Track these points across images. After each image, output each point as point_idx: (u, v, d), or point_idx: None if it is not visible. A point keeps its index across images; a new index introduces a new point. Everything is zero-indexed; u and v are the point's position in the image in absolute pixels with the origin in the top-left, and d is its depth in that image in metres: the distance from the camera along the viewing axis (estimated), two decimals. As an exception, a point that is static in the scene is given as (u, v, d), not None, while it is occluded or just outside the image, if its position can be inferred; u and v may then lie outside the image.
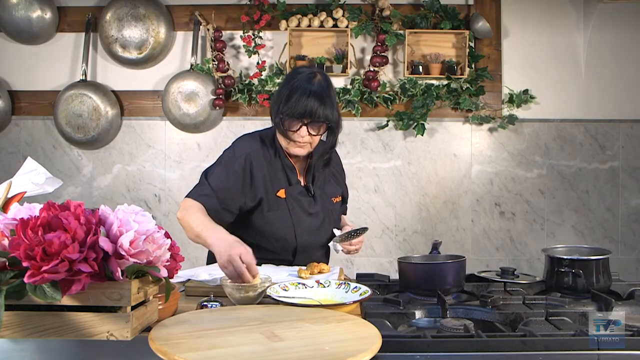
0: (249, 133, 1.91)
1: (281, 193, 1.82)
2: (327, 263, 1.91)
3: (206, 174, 1.80)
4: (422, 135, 3.18)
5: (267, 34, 3.24)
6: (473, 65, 3.21)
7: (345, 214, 2.14)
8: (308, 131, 1.72)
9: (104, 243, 0.98)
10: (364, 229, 1.83)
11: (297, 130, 1.71)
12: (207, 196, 1.72)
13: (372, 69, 3.17)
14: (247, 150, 1.80)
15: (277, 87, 1.81)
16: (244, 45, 3.18)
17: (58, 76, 3.29)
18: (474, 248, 3.31)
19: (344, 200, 2.07)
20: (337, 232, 1.88)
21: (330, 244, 1.85)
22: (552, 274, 1.53)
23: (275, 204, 1.81)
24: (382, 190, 3.29)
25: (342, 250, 1.85)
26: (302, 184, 1.88)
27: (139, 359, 1.04)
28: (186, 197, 1.74)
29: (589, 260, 1.49)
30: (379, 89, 3.17)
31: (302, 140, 1.74)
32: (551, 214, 3.31)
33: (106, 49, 3.24)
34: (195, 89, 3.16)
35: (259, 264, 1.73)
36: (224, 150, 1.85)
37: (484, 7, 3.23)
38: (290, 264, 1.84)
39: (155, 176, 3.31)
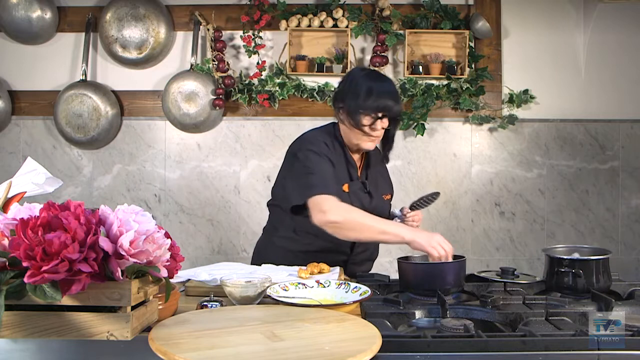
0: (310, 130, 1.96)
1: (345, 187, 1.87)
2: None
3: (304, 169, 1.77)
4: (422, 135, 3.18)
5: (267, 34, 3.24)
6: (473, 65, 3.20)
7: None
8: (382, 126, 1.82)
9: (104, 243, 0.97)
10: (436, 194, 1.92)
11: (372, 124, 1.81)
12: (327, 182, 1.75)
13: (372, 68, 3.17)
14: (323, 139, 1.86)
15: (338, 87, 1.92)
16: (244, 45, 3.18)
17: (58, 76, 3.29)
18: (474, 248, 3.30)
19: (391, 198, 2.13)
20: (395, 211, 2.02)
21: (393, 211, 1.98)
22: (552, 274, 1.53)
23: (340, 197, 1.80)
24: (382, 190, 3.29)
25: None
26: (360, 180, 1.94)
27: (139, 359, 1.04)
28: (313, 196, 1.71)
29: (589, 260, 1.49)
30: (379, 89, 3.17)
31: (375, 135, 1.84)
32: (551, 214, 3.31)
33: (106, 49, 3.24)
34: (195, 89, 3.16)
35: (293, 263, 1.79)
36: (293, 151, 1.86)
37: (484, 7, 3.23)
38: (347, 257, 1.90)
39: (155, 176, 3.30)
